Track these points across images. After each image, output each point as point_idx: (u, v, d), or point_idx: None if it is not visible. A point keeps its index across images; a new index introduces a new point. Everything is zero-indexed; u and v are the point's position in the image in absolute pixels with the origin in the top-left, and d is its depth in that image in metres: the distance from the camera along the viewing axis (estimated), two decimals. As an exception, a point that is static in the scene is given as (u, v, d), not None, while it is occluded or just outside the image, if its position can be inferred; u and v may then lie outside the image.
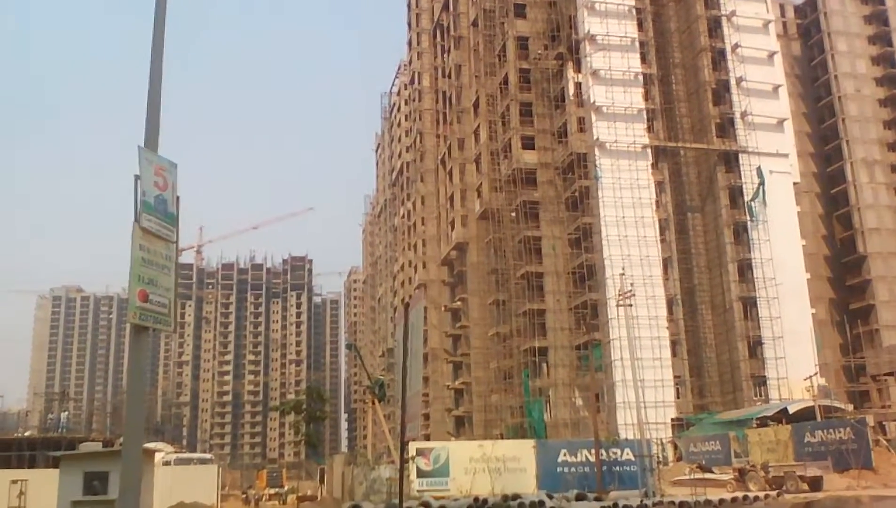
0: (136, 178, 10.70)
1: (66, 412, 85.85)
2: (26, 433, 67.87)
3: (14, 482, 21.41)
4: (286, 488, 43.85)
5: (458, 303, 73.73)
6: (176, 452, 57.03)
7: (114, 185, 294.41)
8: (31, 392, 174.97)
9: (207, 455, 64.51)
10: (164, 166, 11.22)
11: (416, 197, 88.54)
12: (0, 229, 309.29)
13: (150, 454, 27.06)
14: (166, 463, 40.93)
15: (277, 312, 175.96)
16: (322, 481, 42.86)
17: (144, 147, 10.97)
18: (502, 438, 50.94)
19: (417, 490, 30.38)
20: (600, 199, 55.01)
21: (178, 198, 11.47)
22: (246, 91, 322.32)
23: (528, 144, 61.79)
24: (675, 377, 54.24)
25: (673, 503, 25.33)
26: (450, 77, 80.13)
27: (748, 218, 57.20)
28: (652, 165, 57.96)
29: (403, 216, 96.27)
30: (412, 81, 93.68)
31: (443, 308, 76.45)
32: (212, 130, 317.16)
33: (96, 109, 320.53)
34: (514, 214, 61.15)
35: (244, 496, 47.35)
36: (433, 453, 33.78)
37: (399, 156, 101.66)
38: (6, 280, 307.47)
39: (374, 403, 41.86)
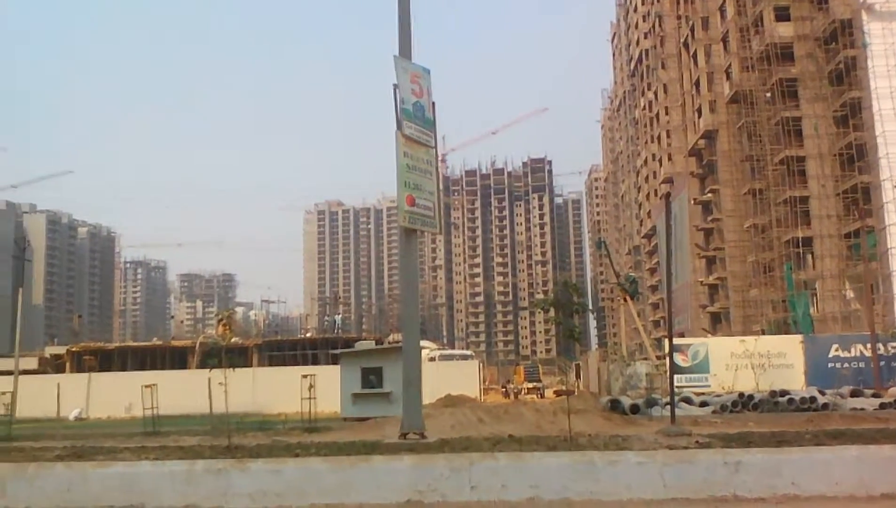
0: (395, 87, 11.09)
1: (339, 315, 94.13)
2: (307, 335, 75.59)
3: (304, 376, 23.83)
4: (543, 382, 45.28)
5: (709, 195, 70.44)
6: (438, 349, 60.65)
7: (350, 101, 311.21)
8: (308, 298, 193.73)
9: (468, 352, 67.95)
10: (418, 73, 11.49)
11: (657, 86, 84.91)
12: (266, 150, 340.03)
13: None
14: (431, 359, 43.68)
15: (521, 214, 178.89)
16: (578, 376, 43.72)
17: (399, 56, 11.32)
18: (762, 334, 48.66)
19: (676, 387, 29.95)
20: (870, 69, 49.07)
21: (433, 103, 11.77)
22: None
23: (783, 14, 56.35)
24: (966, 262, 48.45)
25: (969, 400, 22.90)
26: (690, -48, 74.58)
27: None
28: (932, 24, 50.69)
29: (644, 108, 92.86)
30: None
31: (692, 201, 73.45)
32: (444, 38, 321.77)
33: (351, 21, 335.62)
34: (768, 94, 56.63)
35: (503, 390, 49.63)
36: (691, 349, 33.02)
37: (637, 44, 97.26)
38: (276, 198, 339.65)
39: (625, 300, 41.53)
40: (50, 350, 61.20)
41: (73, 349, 53.28)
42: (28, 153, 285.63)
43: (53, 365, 51.99)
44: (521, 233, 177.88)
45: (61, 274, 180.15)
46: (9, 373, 37.73)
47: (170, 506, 9.50)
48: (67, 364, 50.51)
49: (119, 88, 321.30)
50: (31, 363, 51.16)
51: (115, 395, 36.51)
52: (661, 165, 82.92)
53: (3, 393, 27.57)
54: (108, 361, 51.50)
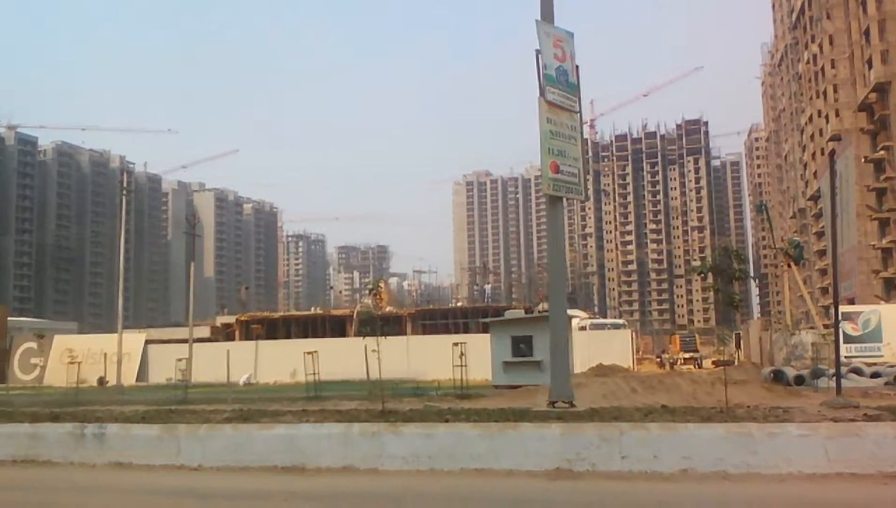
0: (537, 52, 10.92)
1: (489, 285, 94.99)
2: (458, 304, 76.90)
3: (455, 344, 24.26)
4: (701, 353, 43.87)
5: (882, 152, 65.45)
6: (590, 318, 59.97)
7: (497, 69, 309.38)
8: (458, 268, 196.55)
9: (620, 321, 66.83)
10: (561, 37, 11.26)
11: (822, 37, 79.44)
12: (415, 123, 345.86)
13: (568, 319, 28.87)
14: (582, 329, 43.25)
15: (675, 179, 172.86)
16: (738, 346, 42.04)
17: (541, 20, 11.12)
18: (945, 300, 44.96)
19: (845, 357, 28.25)
20: None
21: (577, 67, 11.48)
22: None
23: (969, -50, 51.33)
24: None
25: None
26: None
27: None
28: None
29: (808, 61, 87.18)
30: None
31: (862, 160, 68.48)
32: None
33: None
34: (951, 39, 51.80)
35: (658, 360, 48.57)
36: (861, 317, 31.12)
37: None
38: (427, 171, 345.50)
39: (789, 266, 39.43)
40: (221, 320, 65.39)
41: (242, 319, 56.66)
42: (198, 135, 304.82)
43: (224, 334, 55.49)
44: (676, 198, 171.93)
45: (229, 248, 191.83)
46: (184, 341, 40.72)
47: (328, 466, 9.95)
48: (237, 333, 53.81)
49: (274, 74, 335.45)
50: (204, 331, 54.88)
51: (281, 361, 38.63)
52: (827, 121, 77.81)
53: (180, 360, 29.75)
54: (274, 329, 54.45)
